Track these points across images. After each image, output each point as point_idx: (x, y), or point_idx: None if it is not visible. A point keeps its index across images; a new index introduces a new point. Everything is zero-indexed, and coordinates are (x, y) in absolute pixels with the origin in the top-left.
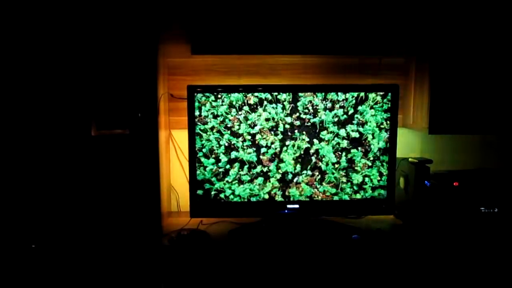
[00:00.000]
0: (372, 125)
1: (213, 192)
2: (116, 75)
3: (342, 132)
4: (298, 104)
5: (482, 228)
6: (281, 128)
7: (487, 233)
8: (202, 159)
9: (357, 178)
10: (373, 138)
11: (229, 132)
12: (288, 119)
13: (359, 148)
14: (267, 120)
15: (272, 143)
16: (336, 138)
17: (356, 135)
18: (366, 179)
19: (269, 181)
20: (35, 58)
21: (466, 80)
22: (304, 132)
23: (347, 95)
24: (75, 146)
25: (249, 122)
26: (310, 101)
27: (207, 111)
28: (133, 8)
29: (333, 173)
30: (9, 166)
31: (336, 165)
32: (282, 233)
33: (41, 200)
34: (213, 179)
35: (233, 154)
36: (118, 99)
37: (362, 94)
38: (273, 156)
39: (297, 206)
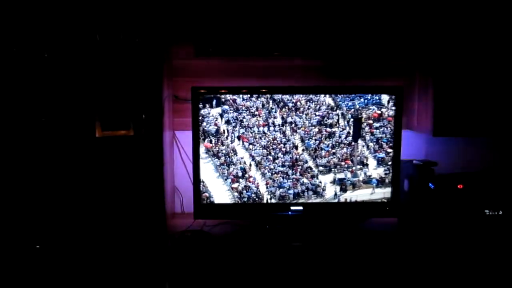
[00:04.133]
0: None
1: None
2: (121, 77)
3: None
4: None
5: (487, 230)
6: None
7: (491, 235)
8: None
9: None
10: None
11: None
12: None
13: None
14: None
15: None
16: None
17: None
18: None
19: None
20: (41, 60)
21: (470, 83)
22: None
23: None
24: (80, 147)
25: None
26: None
27: None
28: (138, 11)
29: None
30: (13, 167)
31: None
32: (286, 235)
33: (46, 201)
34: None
35: None
36: (123, 101)
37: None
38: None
39: (301, 208)
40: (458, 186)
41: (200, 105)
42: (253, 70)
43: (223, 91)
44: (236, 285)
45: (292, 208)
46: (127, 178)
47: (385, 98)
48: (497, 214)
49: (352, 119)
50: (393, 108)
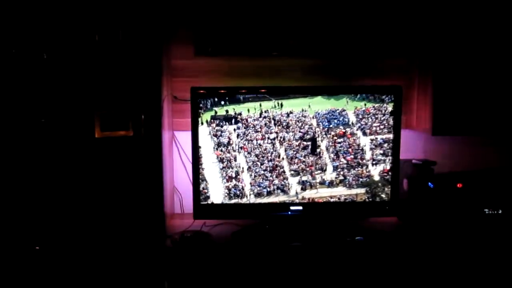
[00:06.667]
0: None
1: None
2: (120, 77)
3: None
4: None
5: (486, 229)
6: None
7: (491, 234)
8: None
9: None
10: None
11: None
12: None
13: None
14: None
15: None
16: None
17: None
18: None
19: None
20: (40, 61)
21: (469, 81)
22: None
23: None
24: (79, 148)
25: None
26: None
27: None
28: (138, 10)
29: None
30: (13, 168)
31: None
32: (285, 235)
33: (45, 202)
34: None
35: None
36: (122, 101)
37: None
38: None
39: (300, 208)
40: (458, 185)
41: (223, 123)
42: (253, 70)
43: (222, 91)
44: (236, 285)
45: (292, 208)
46: (127, 179)
47: (352, 119)
48: (496, 213)
49: (309, 139)
50: (355, 127)
